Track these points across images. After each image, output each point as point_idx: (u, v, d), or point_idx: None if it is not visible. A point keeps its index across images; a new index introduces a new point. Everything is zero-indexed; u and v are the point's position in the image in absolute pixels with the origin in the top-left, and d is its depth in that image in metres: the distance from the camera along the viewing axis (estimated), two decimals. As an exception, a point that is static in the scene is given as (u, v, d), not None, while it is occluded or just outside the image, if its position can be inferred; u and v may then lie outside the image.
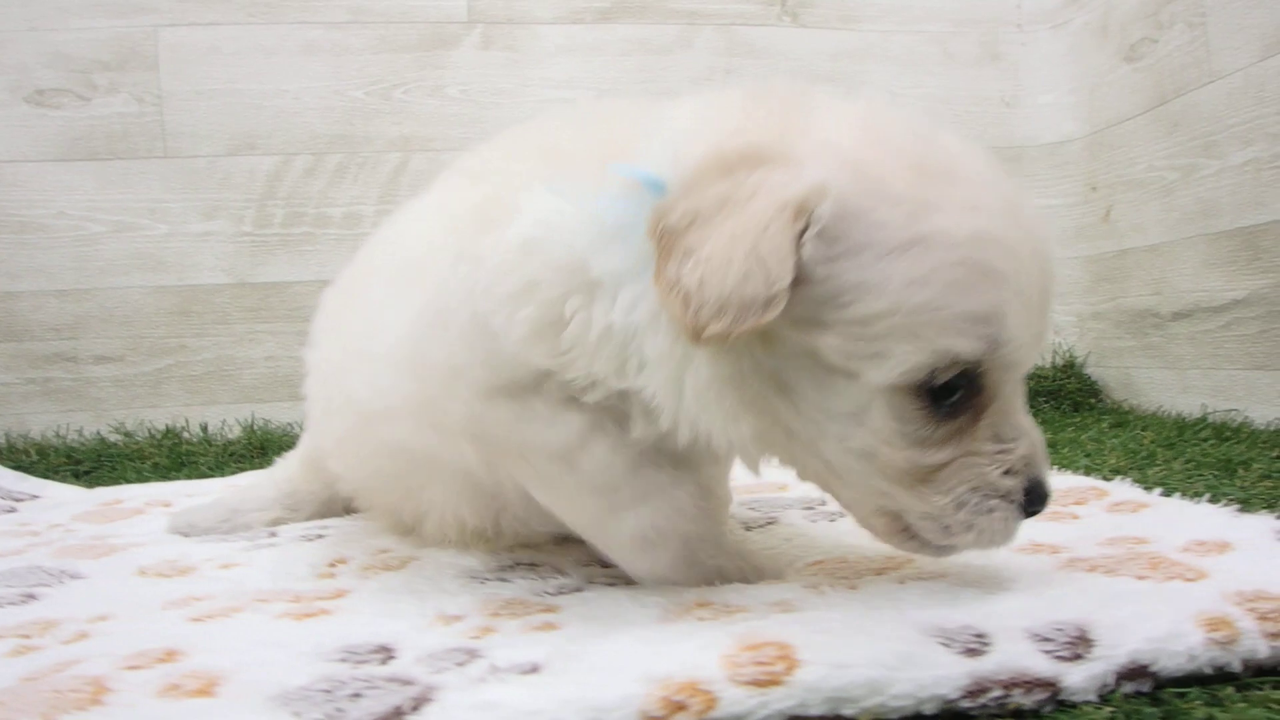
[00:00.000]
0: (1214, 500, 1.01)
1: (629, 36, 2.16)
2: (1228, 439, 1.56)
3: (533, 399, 0.73)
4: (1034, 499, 0.67)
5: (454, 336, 0.73)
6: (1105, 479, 1.17)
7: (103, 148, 1.99)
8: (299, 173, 2.05)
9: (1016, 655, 0.58)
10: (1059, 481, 1.09)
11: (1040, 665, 0.58)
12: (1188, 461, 1.39)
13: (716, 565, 0.75)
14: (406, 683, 0.56)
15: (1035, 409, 2.21)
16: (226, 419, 2.04)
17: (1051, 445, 1.68)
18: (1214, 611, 0.62)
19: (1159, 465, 1.39)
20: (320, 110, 2.05)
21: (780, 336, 0.64)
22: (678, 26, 2.18)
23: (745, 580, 0.75)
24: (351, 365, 0.88)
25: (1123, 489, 1.09)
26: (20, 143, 1.96)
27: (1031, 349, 0.65)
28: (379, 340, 0.82)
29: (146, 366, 2.04)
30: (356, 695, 0.54)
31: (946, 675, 0.56)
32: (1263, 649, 0.60)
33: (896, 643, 0.58)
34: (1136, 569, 0.74)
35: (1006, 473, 0.66)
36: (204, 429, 2.02)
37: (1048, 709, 0.56)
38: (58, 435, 1.97)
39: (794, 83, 0.74)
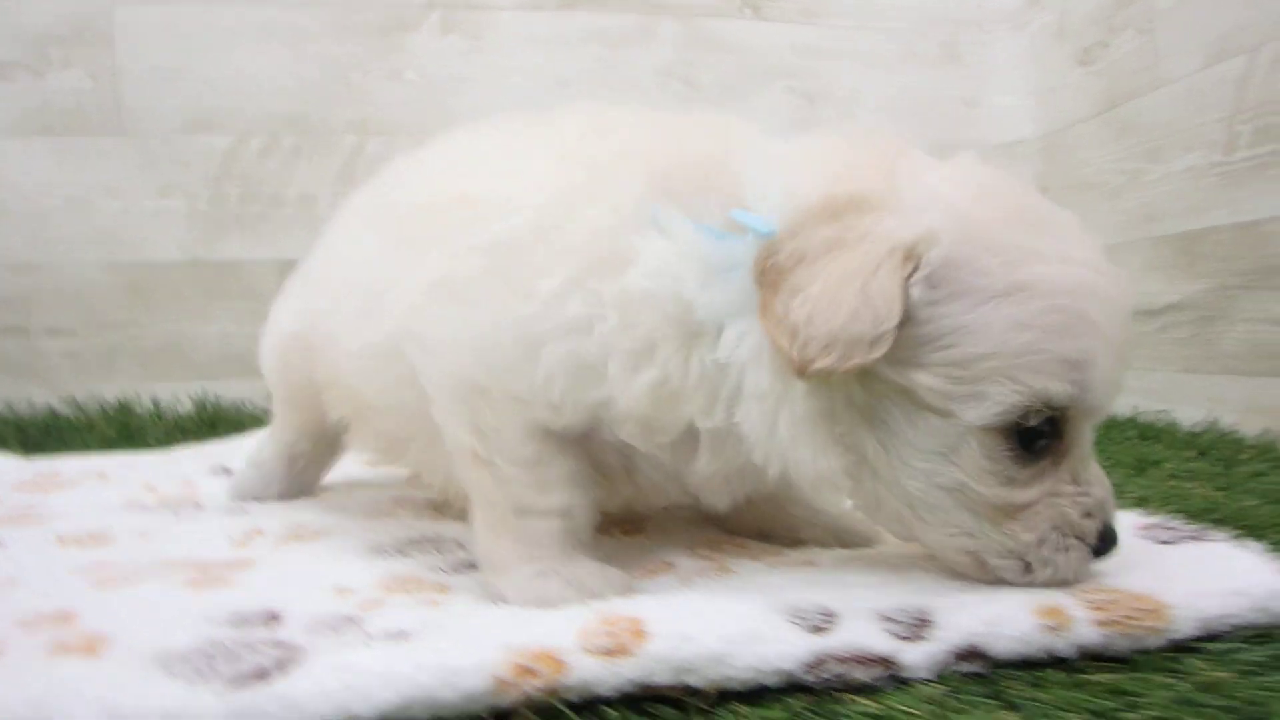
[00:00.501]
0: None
1: (588, 26, 2.18)
2: (1150, 438, 1.61)
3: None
4: (1105, 542, 0.70)
5: (539, 369, 0.73)
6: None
7: (57, 123, 1.99)
8: (254, 153, 2.06)
9: (859, 634, 0.62)
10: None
11: (880, 643, 0.61)
12: (1106, 459, 1.44)
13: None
14: (282, 646, 0.59)
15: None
16: (178, 394, 2.05)
17: None
18: (1049, 601, 0.66)
19: None
20: (276, 91, 2.07)
21: (879, 375, 0.66)
22: (637, 16, 2.20)
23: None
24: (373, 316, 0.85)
25: None
26: (-26, 116, 1.97)
27: (1112, 396, 0.69)
28: (435, 319, 0.79)
29: (99, 341, 2.05)
30: (234, 657, 0.57)
31: (789, 650, 0.60)
32: (1093, 636, 0.64)
33: (746, 620, 0.61)
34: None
35: (1085, 515, 0.69)
36: (155, 404, 2.04)
37: (887, 685, 0.60)
38: (7, 406, 1.98)
39: (890, 134, 0.78)
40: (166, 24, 2.01)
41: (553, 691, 0.56)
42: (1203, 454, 1.44)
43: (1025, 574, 0.69)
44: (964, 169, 0.73)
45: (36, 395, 1.99)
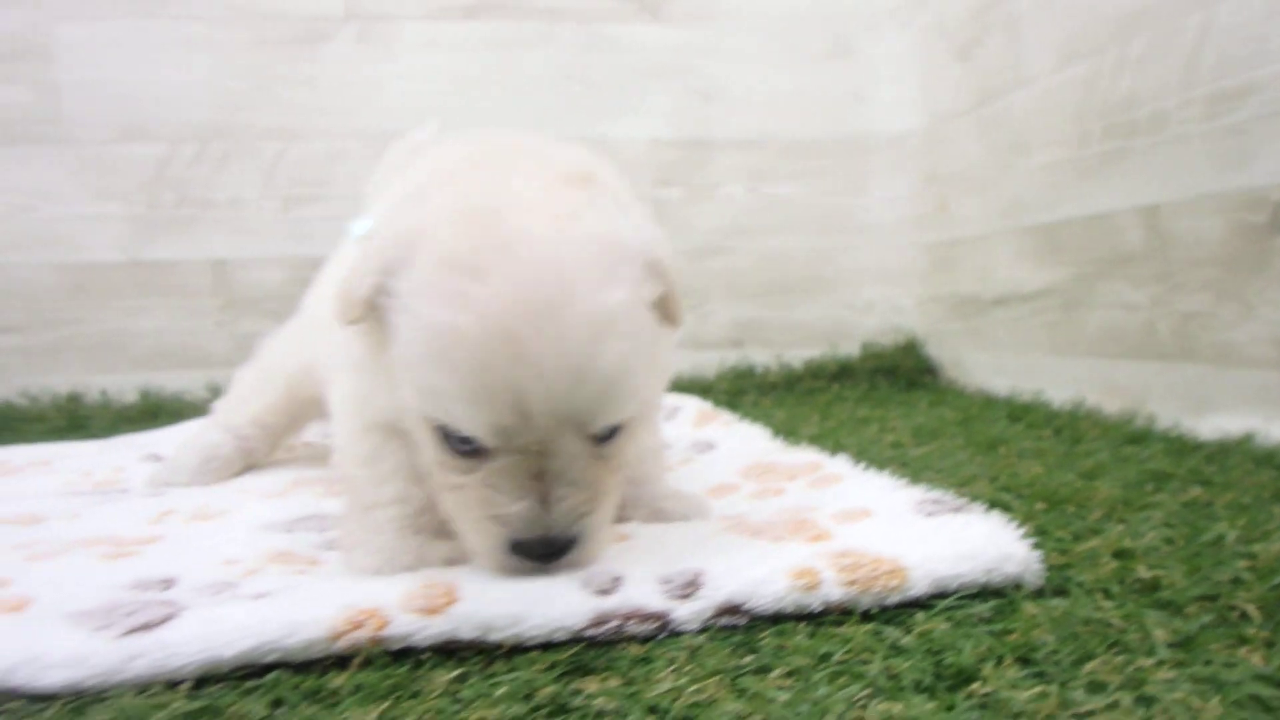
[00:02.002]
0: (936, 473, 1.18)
1: (492, 32, 2.32)
2: (1016, 419, 1.74)
3: None
4: (525, 549, 0.77)
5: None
6: (840, 452, 1.31)
7: (1, 133, 2.12)
8: (185, 159, 2.20)
9: (638, 595, 0.76)
10: (790, 457, 1.30)
11: (655, 602, 0.75)
12: (964, 439, 1.56)
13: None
14: (169, 604, 0.76)
15: (874, 385, 2.43)
16: (122, 386, 2.20)
17: (872, 420, 1.88)
18: (803, 564, 0.77)
19: (938, 441, 1.56)
20: (204, 101, 2.20)
21: (387, 340, 0.80)
22: (538, 23, 2.34)
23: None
24: None
25: (836, 463, 1.22)
26: (-79, 129, 2.09)
27: (509, 435, 0.73)
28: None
29: (46, 336, 2.19)
30: (129, 613, 0.74)
31: (576, 610, 0.73)
32: (839, 594, 0.76)
33: (544, 586, 0.76)
34: (781, 532, 0.87)
35: (495, 517, 0.76)
36: (103, 394, 2.18)
37: (661, 636, 0.74)
38: (-35, 400, 2.12)
39: (489, 139, 0.92)
40: (102, 39, 2.14)
41: (377, 641, 0.71)
42: (1057, 433, 1.56)
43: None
44: (453, 197, 0.79)
45: (-9, 389, 2.13)
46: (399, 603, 0.74)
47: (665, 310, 0.83)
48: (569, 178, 0.81)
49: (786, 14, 2.49)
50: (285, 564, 0.91)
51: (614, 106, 2.37)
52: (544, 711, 0.63)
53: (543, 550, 0.77)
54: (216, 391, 2.14)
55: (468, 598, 0.75)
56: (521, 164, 0.83)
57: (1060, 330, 1.92)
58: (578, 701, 0.64)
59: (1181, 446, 1.39)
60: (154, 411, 2.15)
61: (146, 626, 0.72)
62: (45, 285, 2.18)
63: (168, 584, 0.83)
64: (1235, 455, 1.29)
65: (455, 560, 0.85)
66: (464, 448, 0.76)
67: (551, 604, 0.75)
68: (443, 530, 0.87)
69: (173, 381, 2.22)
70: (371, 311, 0.78)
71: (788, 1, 2.49)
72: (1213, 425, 1.45)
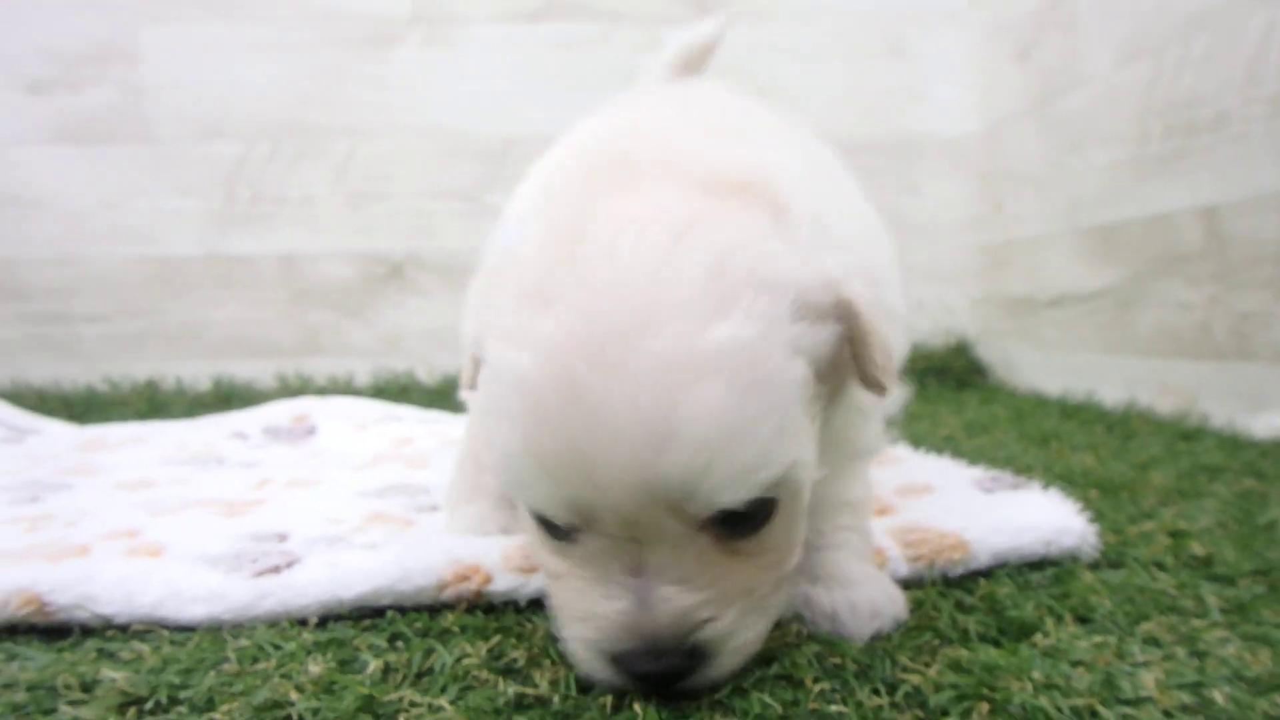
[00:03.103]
0: (990, 463, 1.20)
1: (554, 35, 2.39)
2: (1069, 417, 1.78)
3: None
4: (627, 670, 0.58)
5: None
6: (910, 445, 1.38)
7: (89, 133, 2.23)
8: (261, 158, 2.30)
9: None
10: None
11: None
12: (1019, 434, 1.60)
13: None
14: (289, 554, 0.83)
15: (924, 386, 2.46)
16: (197, 373, 2.30)
17: (923, 416, 1.91)
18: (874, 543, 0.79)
19: (990, 434, 1.60)
20: (278, 102, 2.30)
21: None
22: (598, 25, 2.41)
23: None
24: None
25: (894, 448, 1.30)
26: (19, 128, 2.20)
27: (583, 512, 0.56)
28: None
29: (129, 325, 2.30)
30: (255, 559, 0.82)
31: None
32: (904, 569, 0.79)
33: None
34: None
35: (584, 620, 0.59)
36: (179, 381, 2.28)
37: None
38: (54, 384, 2.23)
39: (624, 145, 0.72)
40: (183, 43, 2.25)
41: (481, 595, 0.78)
42: (1110, 429, 1.60)
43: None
44: (561, 212, 0.64)
45: (78, 374, 2.24)
46: (500, 561, 0.81)
47: (859, 365, 0.63)
48: (713, 186, 0.63)
49: (843, 13, 2.51)
50: (385, 524, 0.98)
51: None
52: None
53: (648, 667, 0.57)
54: (284, 379, 2.24)
55: None
56: (650, 169, 0.65)
57: (1113, 330, 1.93)
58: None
59: (1235, 443, 1.42)
60: (226, 398, 2.25)
61: (275, 569, 0.79)
62: (128, 277, 2.28)
63: (283, 537, 0.90)
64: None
65: None
66: (550, 534, 0.60)
67: None
68: None
69: (244, 370, 2.31)
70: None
71: (844, 1, 2.51)
72: (1267, 424, 1.47)
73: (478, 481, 0.93)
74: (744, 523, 0.58)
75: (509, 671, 0.65)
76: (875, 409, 0.75)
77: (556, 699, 0.60)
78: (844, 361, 0.63)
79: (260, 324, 2.33)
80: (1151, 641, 0.68)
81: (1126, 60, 1.83)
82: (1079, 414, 1.80)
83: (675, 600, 0.56)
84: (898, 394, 0.71)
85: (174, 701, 0.60)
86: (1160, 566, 0.85)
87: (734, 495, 0.55)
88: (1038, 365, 2.26)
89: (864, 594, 0.72)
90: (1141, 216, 1.82)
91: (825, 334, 0.60)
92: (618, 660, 0.58)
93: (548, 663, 0.65)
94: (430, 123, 2.35)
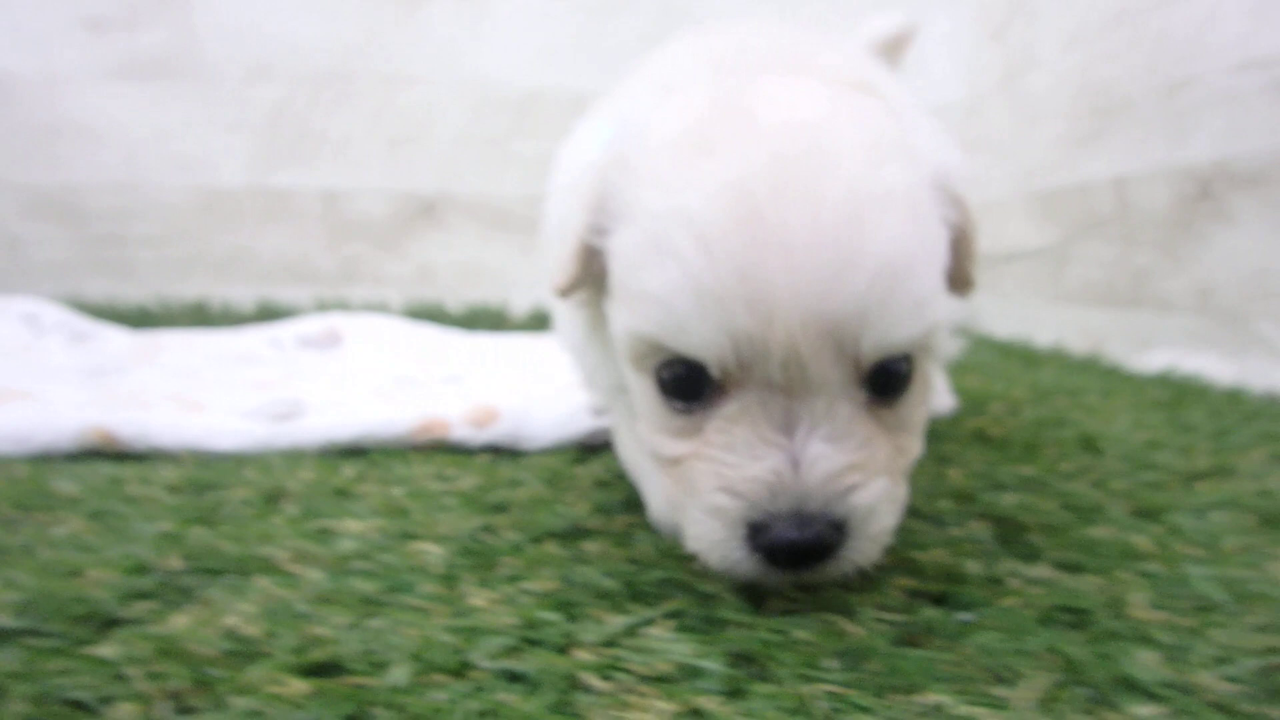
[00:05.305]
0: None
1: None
2: (1005, 355, 1.97)
3: None
4: (772, 545, 0.53)
5: None
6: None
7: (146, 70, 2.46)
8: (303, 100, 2.52)
9: None
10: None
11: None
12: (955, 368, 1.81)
13: None
14: (301, 406, 1.06)
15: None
16: (242, 296, 2.54)
17: None
18: None
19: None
20: (320, 49, 2.51)
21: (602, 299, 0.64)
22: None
23: None
24: None
25: None
26: (80, 63, 2.44)
27: (751, 353, 0.52)
28: None
29: (180, 250, 2.54)
30: (272, 413, 1.05)
31: (580, 427, 1.04)
32: None
33: (559, 412, 1.06)
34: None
35: (722, 489, 0.54)
36: (224, 303, 2.53)
37: None
38: (109, 303, 2.48)
39: (726, 37, 0.75)
40: (235, -8, 2.46)
41: (442, 442, 1.02)
42: (1026, 364, 1.80)
43: (690, 542, 0.58)
44: (710, 88, 0.62)
45: (131, 293, 2.49)
46: (460, 417, 1.04)
47: (957, 260, 0.62)
48: (835, 81, 0.64)
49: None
50: (385, 400, 1.20)
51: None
52: (554, 475, 0.91)
53: (793, 534, 0.53)
54: (323, 304, 2.47)
55: (505, 416, 1.05)
56: (775, 65, 0.67)
57: (1050, 283, 2.15)
58: (574, 470, 0.93)
59: (1117, 374, 1.63)
60: (269, 318, 2.48)
61: (284, 419, 1.02)
62: (180, 205, 2.52)
63: (299, 404, 1.13)
64: (1158, 383, 1.51)
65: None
66: (683, 403, 0.57)
67: (572, 423, 1.05)
68: None
69: (285, 295, 2.55)
70: (588, 271, 0.62)
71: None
72: (1149, 360, 1.70)
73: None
74: (888, 385, 0.56)
75: (444, 478, 0.88)
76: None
77: (475, 488, 0.82)
78: None
79: (301, 253, 2.57)
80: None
81: (1068, 48, 2.04)
82: (1012, 353, 2.01)
83: (828, 460, 0.53)
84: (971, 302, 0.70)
85: (206, 486, 0.84)
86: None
87: (903, 332, 0.53)
88: (995, 313, 2.45)
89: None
90: (1073, 184, 2.03)
91: (951, 215, 0.60)
92: (758, 530, 0.53)
93: (482, 478, 0.88)
94: (461, 75, 2.56)
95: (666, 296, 0.53)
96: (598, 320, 0.66)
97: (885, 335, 0.52)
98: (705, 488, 0.55)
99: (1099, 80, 1.90)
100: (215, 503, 0.80)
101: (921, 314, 0.53)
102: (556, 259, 0.63)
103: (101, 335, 1.81)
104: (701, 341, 0.53)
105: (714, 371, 0.54)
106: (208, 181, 2.52)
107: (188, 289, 2.52)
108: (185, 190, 2.51)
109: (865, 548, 0.54)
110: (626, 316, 0.57)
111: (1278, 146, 1.41)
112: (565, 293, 0.63)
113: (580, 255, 0.61)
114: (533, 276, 2.55)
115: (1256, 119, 1.44)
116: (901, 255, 0.52)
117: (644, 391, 0.59)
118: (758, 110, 0.57)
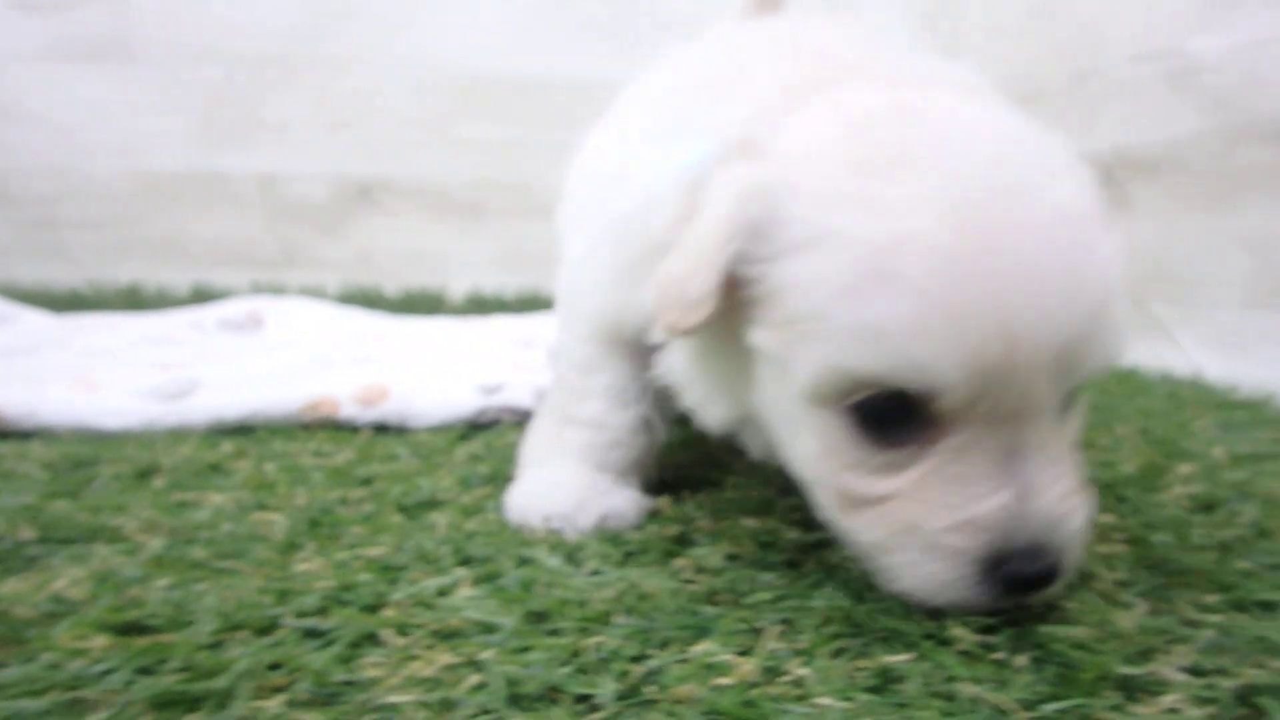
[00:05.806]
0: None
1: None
2: None
3: None
4: (1012, 578, 0.53)
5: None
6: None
7: (80, 51, 2.44)
8: (242, 83, 2.51)
9: (514, 397, 1.09)
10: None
11: (528, 402, 1.08)
12: None
13: None
14: (194, 384, 1.07)
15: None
16: (178, 281, 2.53)
17: None
18: None
19: None
20: (260, 33, 2.50)
21: (743, 334, 0.59)
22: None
23: None
24: None
25: None
26: (12, 44, 2.41)
27: (990, 380, 0.51)
28: None
29: (114, 234, 2.52)
30: (167, 391, 1.06)
31: (469, 405, 1.07)
32: None
33: (450, 390, 1.08)
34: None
35: (956, 528, 0.53)
36: (159, 288, 2.52)
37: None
38: (42, 287, 2.46)
39: (840, 40, 0.72)
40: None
41: (330, 420, 1.04)
42: None
43: (886, 582, 0.57)
44: (848, 95, 0.60)
45: (62, 277, 2.47)
46: (348, 396, 1.06)
47: None
48: (956, 89, 0.63)
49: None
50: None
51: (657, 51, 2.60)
52: (431, 451, 0.93)
53: (1032, 568, 0.53)
54: (260, 288, 2.47)
55: (395, 398, 1.07)
56: (883, 75, 0.65)
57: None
58: (455, 447, 0.95)
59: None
60: (203, 303, 2.47)
61: (176, 397, 1.03)
62: (116, 188, 2.50)
63: (195, 382, 1.14)
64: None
65: (637, 509, 0.75)
66: (886, 439, 0.55)
67: (455, 402, 1.08)
68: (628, 470, 0.77)
69: (222, 279, 2.54)
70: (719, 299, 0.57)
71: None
72: None
73: (560, 438, 0.78)
74: (1070, 402, 0.57)
75: (320, 453, 0.90)
76: None
77: (347, 463, 0.84)
78: None
79: (239, 237, 2.56)
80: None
81: (997, 38, 2.11)
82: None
83: (1051, 488, 0.53)
84: None
85: (82, 463, 0.85)
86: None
87: (1113, 349, 0.54)
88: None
89: None
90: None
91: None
92: (994, 564, 0.52)
93: (357, 454, 0.90)
94: (402, 58, 2.55)
95: (895, 328, 0.50)
96: (714, 349, 0.63)
97: (1103, 354, 0.54)
98: (932, 526, 0.53)
99: (1019, 70, 1.94)
100: (86, 478, 0.81)
101: (1122, 329, 0.54)
102: (668, 293, 0.58)
103: (22, 319, 1.80)
104: (937, 373, 0.51)
105: (941, 404, 0.52)
106: (144, 164, 2.51)
107: (122, 273, 2.51)
108: (121, 173, 2.50)
109: (1074, 562, 0.55)
110: (824, 351, 0.53)
111: (1171, 136, 1.45)
112: (696, 326, 0.57)
113: (722, 287, 0.56)
114: (472, 260, 2.57)
115: (1151, 109, 1.48)
116: (1115, 273, 0.53)
117: (828, 428, 0.56)
118: (943, 128, 0.56)
